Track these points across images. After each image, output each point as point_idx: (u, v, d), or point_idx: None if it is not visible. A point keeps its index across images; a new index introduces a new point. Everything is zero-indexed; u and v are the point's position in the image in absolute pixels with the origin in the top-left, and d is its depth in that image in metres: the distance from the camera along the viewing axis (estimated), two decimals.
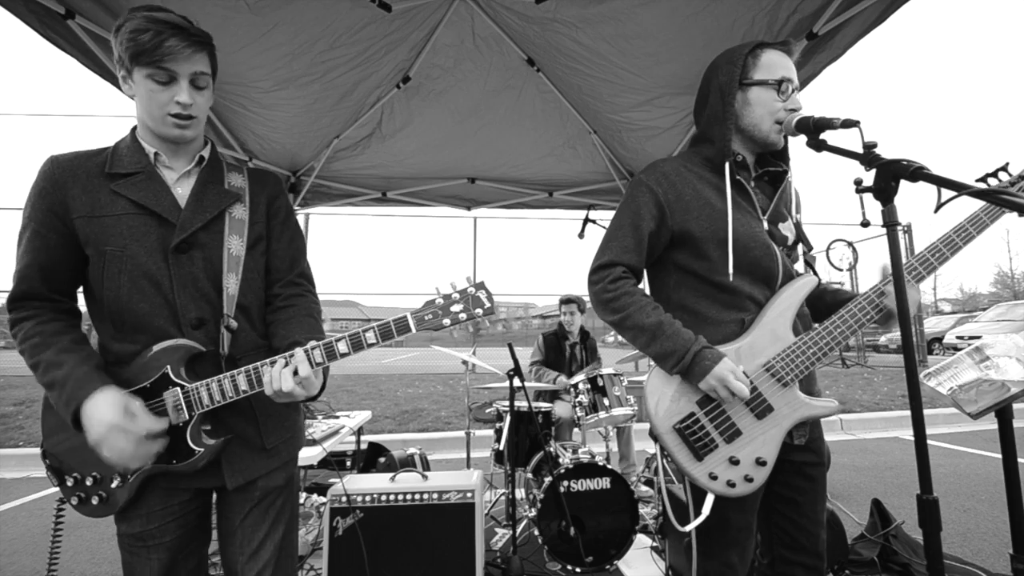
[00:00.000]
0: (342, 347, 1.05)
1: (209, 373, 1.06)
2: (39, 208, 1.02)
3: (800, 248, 1.36)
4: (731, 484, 1.14)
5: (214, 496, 1.19)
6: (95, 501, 1.04)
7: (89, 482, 1.04)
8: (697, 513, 1.17)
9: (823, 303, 1.38)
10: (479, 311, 1.07)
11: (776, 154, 1.34)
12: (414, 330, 1.04)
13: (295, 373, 1.00)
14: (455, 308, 1.06)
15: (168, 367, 1.03)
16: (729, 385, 1.13)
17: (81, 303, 1.13)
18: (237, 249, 1.11)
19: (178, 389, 1.03)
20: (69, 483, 1.05)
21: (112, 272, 1.02)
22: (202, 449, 1.04)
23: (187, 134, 1.08)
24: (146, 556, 1.06)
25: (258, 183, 1.21)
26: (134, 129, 1.11)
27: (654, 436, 1.21)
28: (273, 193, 1.23)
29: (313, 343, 1.04)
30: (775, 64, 1.23)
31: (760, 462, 1.15)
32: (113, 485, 1.03)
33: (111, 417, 0.93)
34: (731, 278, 1.21)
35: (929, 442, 0.88)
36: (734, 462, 1.15)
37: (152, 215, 1.04)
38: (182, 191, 1.10)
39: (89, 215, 1.02)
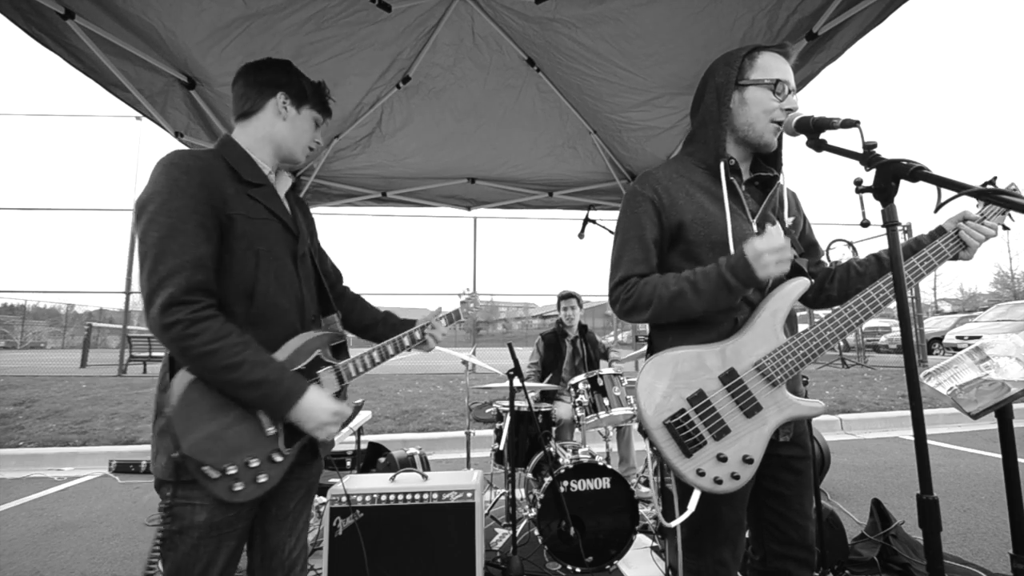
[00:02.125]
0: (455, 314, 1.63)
1: (341, 355, 1.30)
2: (199, 199, 1.03)
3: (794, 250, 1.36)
4: (718, 481, 1.15)
5: None
6: (262, 479, 1.08)
7: (254, 464, 1.07)
8: (683, 509, 1.18)
9: (834, 280, 1.41)
10: (472, 304, 1.61)
11: (768, 159, 1.35)
12: (462, 318, 1.66)
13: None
14: (466, 300, 1.72)
15: (319, 351, 1.22)
16: (773, 248, 1.11)
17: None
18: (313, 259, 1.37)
19: (331, 367, 1.24)
20: (230, 472, 1.04)
21: (265, 269, 1.13)
22: (350, 408, 1.26)
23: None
24: (216, 545, 1.05)
25: (300, 206, 1.40)
26: (235, 144, 1.22)
27: (644, 432, 1.23)
28: (312, 217, 1.47)
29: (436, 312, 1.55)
30: (771, 66, 1.25)
31: (747, 460, 1.16)
32: (278, 460, 1.12)
33: (333, 406, 1.14)
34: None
35: (929, 442, 0.88)
36: (722, 459, 1.16)
37: (280, 223, 1.20)
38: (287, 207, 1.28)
39: (246, 215, 1.11)
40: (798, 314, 1.38)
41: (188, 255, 1.00)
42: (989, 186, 1.17)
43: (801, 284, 1.25)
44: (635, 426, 3.53)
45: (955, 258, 1.26)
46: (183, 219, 1.01)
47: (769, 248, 1.11)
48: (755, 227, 1.29)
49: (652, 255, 1.28)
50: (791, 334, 1.23)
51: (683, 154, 1.38)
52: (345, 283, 1.58)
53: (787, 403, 1.20)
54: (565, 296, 3.91)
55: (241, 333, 1.06)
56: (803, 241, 1.43)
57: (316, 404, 1.11)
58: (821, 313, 1.36)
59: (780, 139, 1.30)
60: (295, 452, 1.15)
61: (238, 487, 1.05)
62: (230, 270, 1.08)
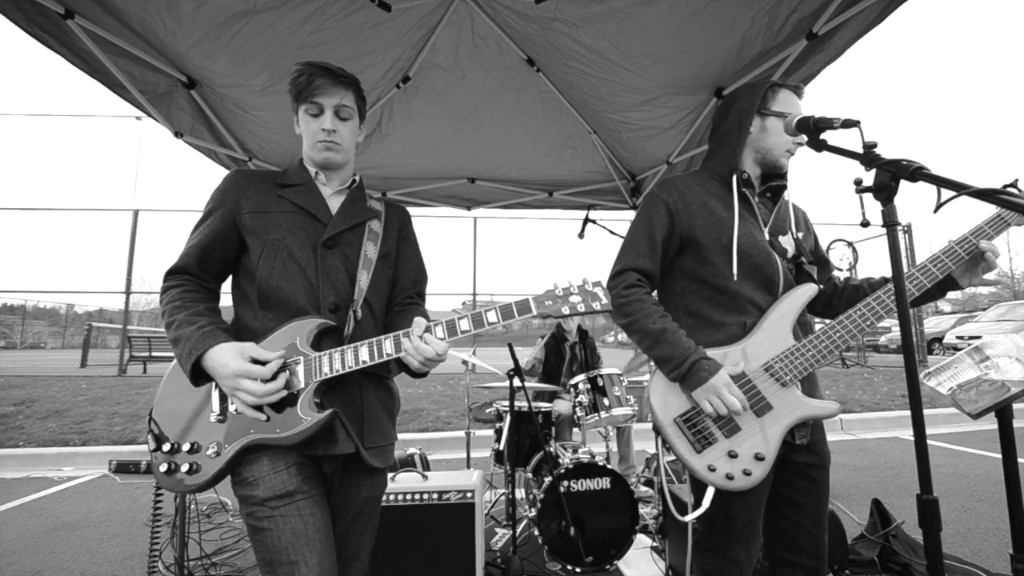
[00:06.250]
0: (463, 324, 1.14)
1: (332, 344, 1.18)
2: (216, 205, 1.24)
3: (803, 259, 1.42)
4: (729, 477, 1.17)
5: None
6: (184, 469, 1.08)
7: (185, 448, 1.10)
8: (697, 506, 1.20)
9: (842, 298, 1.46)
10: (596, 305, 1.16)
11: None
12: (534, 311, 1.13)
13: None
14: (573, 299, 1.16)
15: (297, 339, 1.15)
16: (722, 397, 1.17)
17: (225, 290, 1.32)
18: (371, 254, 1.29)
19: (301, 357, 1.13)
20: (165, 448, 1.11)
21: (269, 256, 1.20)
22: (309, 419, 1.09)
23: (333, 157, 1.28)
24: (296, 512, 1.07)
25: (392, 210, 1.41)
26: (301, 159, 1.35)
27: (656, 429, 1.25)
28: (404, 220, 1.43)
29: (435, 320, 1.16)
30: (789, 102, 1.37)
31: (758, 457, 1.18)
32: (208, 453, 1.09)
33: (234, 364, 1.06)
34: (735, 278, 1.27)
35: (929, 442, 0.88)
36: (733, 456, 1.18)
37: (308, 215, 1.25)
38: (334, 204, 1.31)
39: (258, 211, 1.23)
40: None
41: (183, 248, 1.23)
42: (1011, 187, 1.17)
43: (809, 290, 1.29)
44: (635, 426, 3.54)
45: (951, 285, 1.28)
46: (202, 220, 1.24)
47: (723, 389, 1.18)
48: (767, 235, 1.35)
49: (658, 252, 1.35)
50: (803, 337, 1.26)
51: (702, 168, 1.47)
52: (412, 301, 1.39)
53: (799, 403, 1.22)
54: None
55: (189, 300, 1.17)
56: (813, 255, 1.48)
57: (217, 359, 1.06)
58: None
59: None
60: (234, 449, 1.08)
61: (163, 468, 1.10)
62: (248, 257, 1.23)
